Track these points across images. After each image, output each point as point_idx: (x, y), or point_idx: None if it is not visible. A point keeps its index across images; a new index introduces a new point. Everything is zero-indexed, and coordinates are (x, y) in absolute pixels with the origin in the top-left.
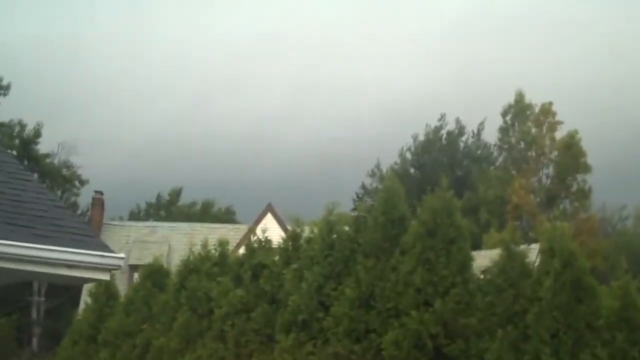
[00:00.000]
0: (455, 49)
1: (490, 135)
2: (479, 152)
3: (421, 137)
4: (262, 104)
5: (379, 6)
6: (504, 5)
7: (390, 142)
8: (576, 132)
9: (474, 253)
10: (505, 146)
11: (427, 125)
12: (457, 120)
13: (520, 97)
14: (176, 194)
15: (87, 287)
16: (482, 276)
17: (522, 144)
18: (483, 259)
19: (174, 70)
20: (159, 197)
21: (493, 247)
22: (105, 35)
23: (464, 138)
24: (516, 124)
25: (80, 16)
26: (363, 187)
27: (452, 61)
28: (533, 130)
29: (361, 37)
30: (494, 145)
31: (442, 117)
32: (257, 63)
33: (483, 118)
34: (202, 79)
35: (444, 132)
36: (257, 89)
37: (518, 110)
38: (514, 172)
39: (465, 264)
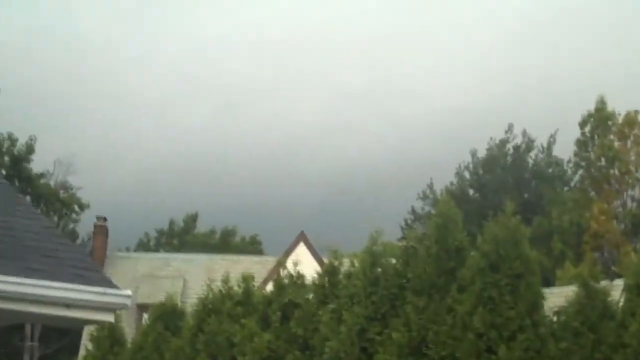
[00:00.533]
0: (525, 47)
1: (564, 151)
2: (550, 170)
3: (482, 153)
4: (295, 117)
5: (433, 10)
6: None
7: (447, 159)
8: None
9: (546, 290)
10: (583, 163)
11: (490, 139)
12: (524, 133)
13: (602, 104)
14: (191, 220)
15: (87, 330)
16: (555, 318)
17: (603, 161)
18: (557, 297)
19: (191, 80)
20: (171, 224)
21: (569, 283)
22: (111, 41)
23: (532, 154)
24: (596, 136)
25: (80, 22)
26: (413, 212)
27: (520, 63)
28: (616, 144)
29: (412, 43)
30: (569, 162)
31: (510, 128)
32: (291, 69)
33: (555, 129)
34: (225, 89)
35: (509, 146)
36: (290, 100)
37: (599, 120)
38: (592, 193)
39: (535, 304)
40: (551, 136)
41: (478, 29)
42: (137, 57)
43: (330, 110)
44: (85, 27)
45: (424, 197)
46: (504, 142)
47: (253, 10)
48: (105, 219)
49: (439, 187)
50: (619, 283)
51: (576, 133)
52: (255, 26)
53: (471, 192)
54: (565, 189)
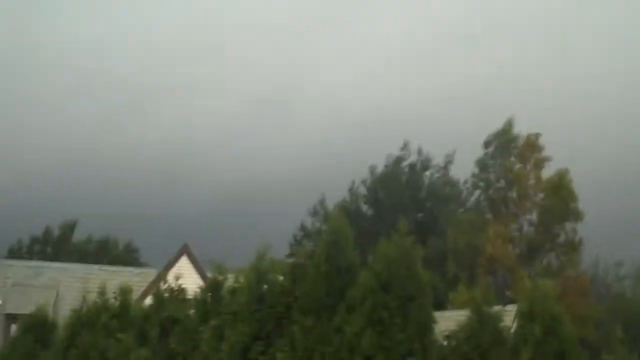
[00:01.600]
0: (432, 63)
1: (460, 171)
2: (446, 190)
3: (380, 169)
4: (182, 127)
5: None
6: (496, 9)
7: (340, 175)
8: (567, 171)
9: (438, 314)
10: (482, 183)
11: (387, 156)
12: (420, 151)
13: (508, 126)
14: (69, 228)
15: None
16: (445, 342)
17: (503, 182)
18: (448, 321)
19: (77, 81)
20: (47, 231)
21: (462, 306)
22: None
23: (428, 172)
24: (498, 158)
25: None
26: (302, 228)
27: (425, 77)
28: (516, 166)
29: (317, 51)
30: (465, 182)
31: (405, 145)
32: (180, 76)
33: (452, 149)
34: (110, 94)
35: (406, 163)
36: (179, 109)
37: (504, 141)
38: (489, 216)
39: (426, 327)
40: (448, 156)
41: (380, 44)
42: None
43: (227, 117)
44: None
45: (315, 213)
46: (400, 159)
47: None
48: None
49: (331, 203)
50: (512, 308)
51: (472, 154)
52: (147, 26)
53: (365, 208)
54: (461, 210)
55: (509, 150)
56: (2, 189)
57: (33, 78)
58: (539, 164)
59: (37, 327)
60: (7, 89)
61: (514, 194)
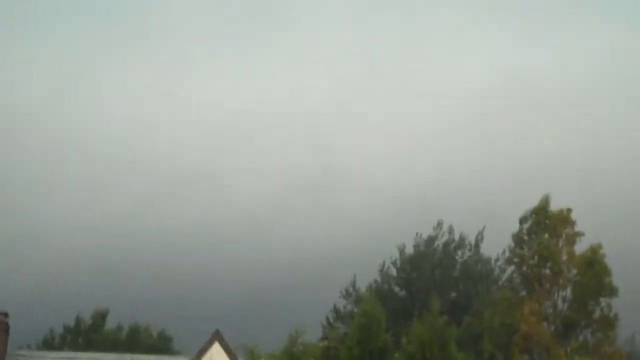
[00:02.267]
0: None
1: (489, 249)
2: (478, 268)
3: (410, 250)
4: (211, 210)
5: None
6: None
7: (371, 255)
8: (599, 246)
9: None
10: (516, 260)
11: (417, 235)
12: (451, 229)
13: (545, 202)
14: (101, 317)
15: None
16: None
17: (536, 259)
18: None
19: (109, 167)
20: (78, 320)
21: None
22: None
23: (460, 251)
24: (534, 234)
25: None
26: (335, 310)
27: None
28: (549, 242)
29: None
30: (497, 260)
31: (439, 224)
32: (213, 160)
33: (482, 227)
34: (140, 180)
35: (439, 243)
36: (211, 193)
37: (540, 217)
38: (523, 293)
39: None
40: (479, 233)
41: (408, 122)
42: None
43: (259, 200)
44: None
45: (347, 294)
46: (432, 239)
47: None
48: (6, 315)
49: (362, 284)
50: None
51: (502, 231)
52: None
53: (397, 290)
54: (493, 288)
55: (544, 226)
56: (34, 280)
57: (62, 167)
58: (571, 239)
59: None
60: (36, 177)
61: (547, 271)
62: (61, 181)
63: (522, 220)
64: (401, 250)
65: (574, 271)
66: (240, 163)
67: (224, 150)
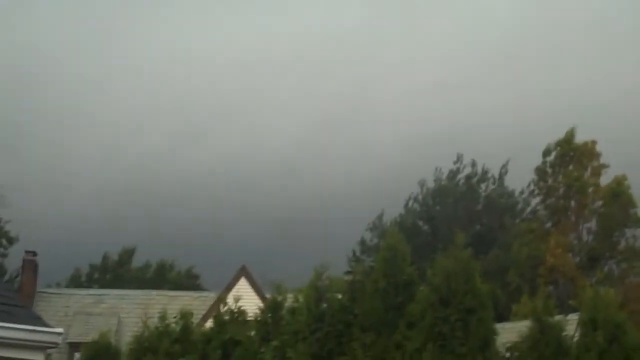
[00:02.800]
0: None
1: (513, 182)
2: (502, 201)
3: (430, 184)
4: (242, 148)
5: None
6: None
7: (401, 189)
8: (624, 177)
9: (499, 326)
10: (541, 192)
11: (436, 170)
12: (473, 163)
13: (570, 135)
14: (128, 255)
15: None
16: (508, 354)
17: (562, 191)
18: (510, 333)
19: (140, 104)
20: (105, 258)
21: (524, 318)
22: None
23: (483, 185)
24: (558, 167)
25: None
26: (362, 243)
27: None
28: (575, 174)
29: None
30: (521, 193)
31: (459, 158)
32: (243, 97)
33: (506, 160)
34: (181, 113)
35: (461, 177)
36: (240, 130)
37: (565, 150)
38: (549, 225)
39: (487, 340)
40: (503, 166)
41: (433, 54)
42: (85, 76)
43: (284, 138)
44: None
45: (374, 228)
46: (454, 173)
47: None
48: (34, 254)
49: (389, 219)
50: (574, 318)
51: (526, 165)
52: (229, 48)
53: (420, 223)
54: (517, 220)
55: (569, 159)
56: (61, 219)
57: (98, 102)
58: (597, 171)
59: (100, 354)
60: (72, 110)
61: (573, 203)
62: (93, 118)
63: (546, 153)
64: (422, 185)
65: (599, 203)
66: (272, 101)
67: (256, 87)
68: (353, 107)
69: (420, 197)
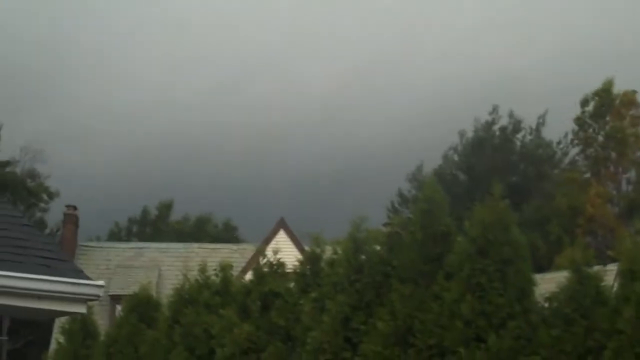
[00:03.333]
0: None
1: (551, 133)
2: (539, 151)
3: (470, 134)
4: (279, 98)
5: None
6: None
7: (439, 140)
8: None
9: (538, 276)
10: (580, 142)
11: (475, 120)
12: (511, 114)
13: (608, 84)
14: (166, 208)
15: (59, 323)
16: (546, 304)
17: (601, 140)
18: (548, 283)
19: (177, 56)
20: (144, 212)
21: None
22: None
23: (519, 135)
24: (597, 116)
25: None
26: (400, 194)
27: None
28: (614, 124)
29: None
30: (558, 143)
31: (494, 109)
32: (276, 49)
33: (544, 110)
34: (218, 66)
35: (496, 128)
36: (275, 81)
37: (603, 99)
38: (587, 175)
39: (525, 290)
40: (540, 117)
41: (469, 8)
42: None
43: (324, 87)
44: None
45: (413, 179)
46: (490, 124)
47: None
48: (75, 208)
49: (428, 170)
50: (612, 268)
51: (563, 115)
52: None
53: (460, 175)
54: (555, 171)
55: (608, 108)
56: (100, 175)
57: (134, 55)
58: (636, 121)
59: (141, 306)
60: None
61: (613, 154)
62: (127, 73)
63: (584, 103)
64: (462, 136)
65: (639, 153)
66: (311, 46)
67: (293, 34)
68: (395, 50)
69: (459, 147)
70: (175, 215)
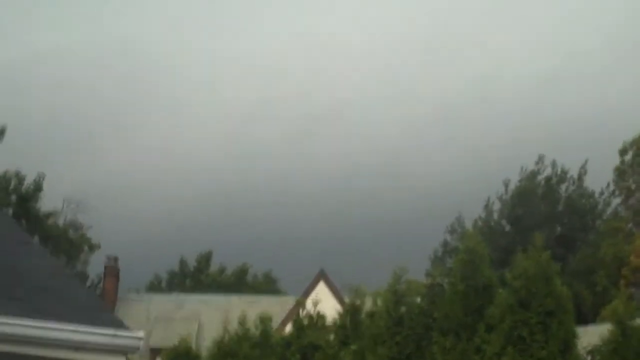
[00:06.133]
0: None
1: (592, 182)
2: (583, 201)
3: (513, 184)
4: (316, 149)
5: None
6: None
7: (476, 193)
8: None
9: (582, 329)
10: (622, 192)
11: (522, 170)
12: (554, 164)
13: None
14: (205, 259)
15: None
16: (589, 358)
17: None
18: (591, 336)
19: (202, 110)
20: (182, 263)
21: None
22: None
23: (563, 185)
24: (636, 165)
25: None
26: (444, 244)
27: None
28: None
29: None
30: (601, 194)
31: (540, 159)
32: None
33: (584, 159)
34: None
35: (541, 177)
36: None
37: None
38: (630, 225)
39: (567, 343)
40: (582, 167)
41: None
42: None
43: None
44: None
45: (452, 230)
46: (534, 174)
47: None
48: (116, 260)
49: (469, 221)
50: None
51: (604, 164)
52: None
53: (505, 225)
54: (598, 222)
55: None
56: (139, 228)
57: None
58: None
59: (181, 358)
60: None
61: None
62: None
63: (622, 152)
64: (507, 185)
65: None
66: (376, 92)
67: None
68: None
69: (504, 197)
70: (214, 267)
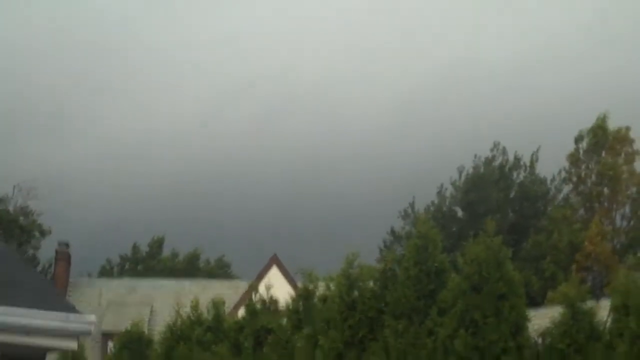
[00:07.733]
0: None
1: (547, 170)
2: (534, 188)
3: (468, 171)
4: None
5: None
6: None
7: (431, 177)
8: None
9: (533, 312)
10: (574, 179)
11: (475, 157)
12: (504, 150)
13: (602, 121)
14: (157, 245)
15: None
16: (540, 340)
17: (593, 178)
18: (542, 319)
19: (164, 92)
20: (135, 249)
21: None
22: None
23: (516, 172)
24: (591, 153)
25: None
26: (392, 232)
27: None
28: (608, 160)
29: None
30: (552, 180)
31: (495, 146)
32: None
33: (537, 147)
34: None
35: (495, 164)
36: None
37: (597, 136)
38: (581, 212)
39: (519, 326)
40: (534, 154)
41: (475, 44)
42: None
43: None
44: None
45: (405, 216)
46: (489, 161)
47: None
48: (67, 245)
49: (421, 206)
50: (606, 303)
51: (556, 151)
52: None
53: (457, 210)
54: (549, 208)
55: (602, 145)
56: (91, 213)
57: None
58: (631, 157)
59: (133, 343)
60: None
61: (606, 190)
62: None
63: (578, 140)
64: (461, 172)
65: (634, 189)
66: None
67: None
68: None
69: (457, 183)
70: (166, 251)
